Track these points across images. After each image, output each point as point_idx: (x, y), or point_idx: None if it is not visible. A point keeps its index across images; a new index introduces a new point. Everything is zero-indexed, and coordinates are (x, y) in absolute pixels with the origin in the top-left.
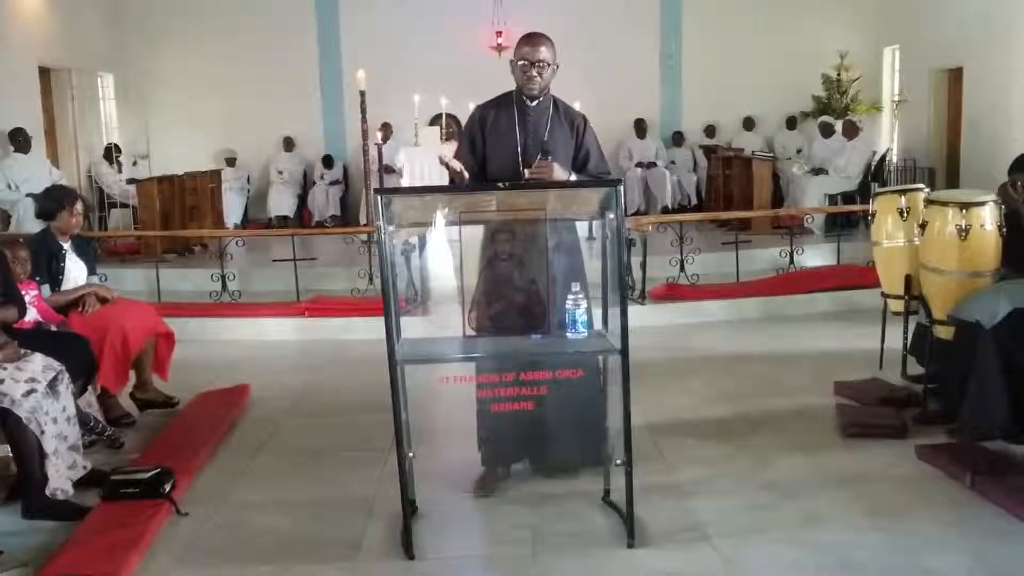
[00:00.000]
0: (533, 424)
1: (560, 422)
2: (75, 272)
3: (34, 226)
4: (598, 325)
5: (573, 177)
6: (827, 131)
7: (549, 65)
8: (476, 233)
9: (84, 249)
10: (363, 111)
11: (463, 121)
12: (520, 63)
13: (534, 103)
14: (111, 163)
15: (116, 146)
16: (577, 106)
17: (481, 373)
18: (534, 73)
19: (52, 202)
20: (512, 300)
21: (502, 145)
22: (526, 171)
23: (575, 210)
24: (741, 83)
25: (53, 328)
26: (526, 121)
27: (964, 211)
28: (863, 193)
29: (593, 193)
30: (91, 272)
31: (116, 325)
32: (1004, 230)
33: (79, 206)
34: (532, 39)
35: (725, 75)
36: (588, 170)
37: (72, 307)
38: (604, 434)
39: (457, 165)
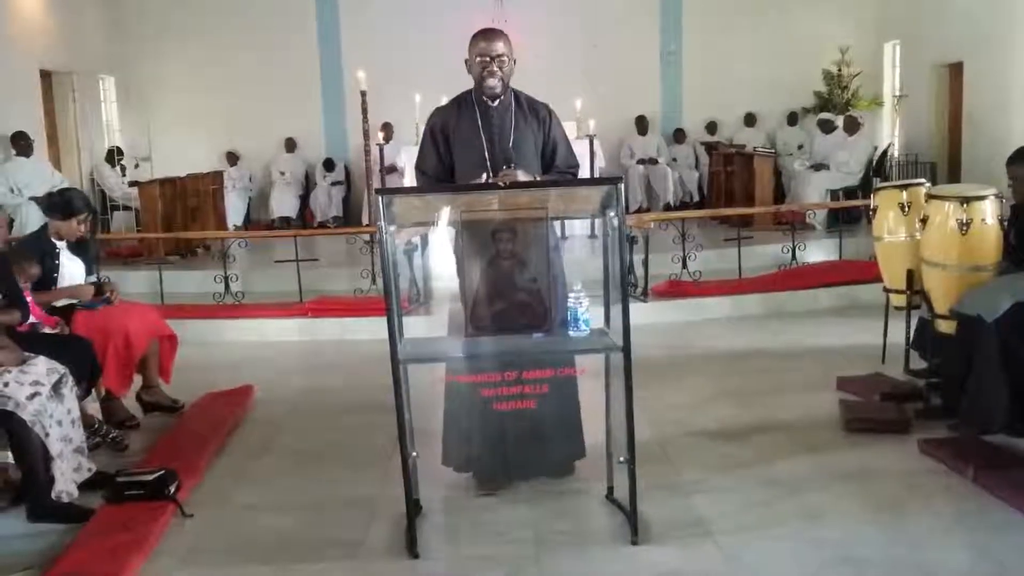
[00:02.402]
0: (513, 430)
1: (542, 424)
2: (71, 270)
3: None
4: (593, 324)
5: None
6: (828, 127)
7: (508, 59)
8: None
9: (81, 248)
10: (364, 111)
11: None
12: (478, 59)
13: (496, 103)
14: (113, 166)
15: (118, 148)
16: (579, 104)
17: (465, 373)
18: (495, 68)
19: (65, 206)
20: (497, 300)
21: (467, 152)
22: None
23: (575, 208)
24: (742, 79)
25: (47, 330)
26: (490, 124)
27: (965, 205)
28: (865, 188)
29: (594, 191)
30: (89, 272)
31: (119, 327)
32: (1006, 223)
33: (87, 220)
34: (487, 34)
35: (726, 72)
36: (557, 165)
37: (73, 309)
38: (579, 431)
39: None
